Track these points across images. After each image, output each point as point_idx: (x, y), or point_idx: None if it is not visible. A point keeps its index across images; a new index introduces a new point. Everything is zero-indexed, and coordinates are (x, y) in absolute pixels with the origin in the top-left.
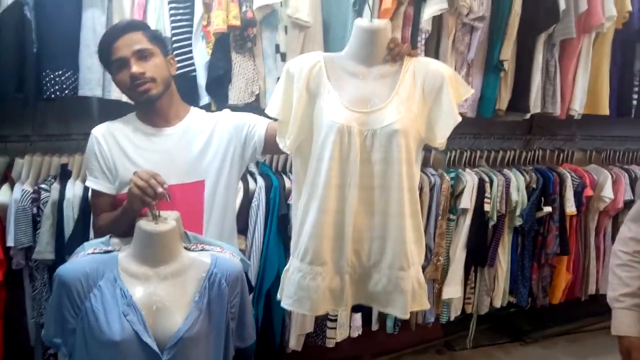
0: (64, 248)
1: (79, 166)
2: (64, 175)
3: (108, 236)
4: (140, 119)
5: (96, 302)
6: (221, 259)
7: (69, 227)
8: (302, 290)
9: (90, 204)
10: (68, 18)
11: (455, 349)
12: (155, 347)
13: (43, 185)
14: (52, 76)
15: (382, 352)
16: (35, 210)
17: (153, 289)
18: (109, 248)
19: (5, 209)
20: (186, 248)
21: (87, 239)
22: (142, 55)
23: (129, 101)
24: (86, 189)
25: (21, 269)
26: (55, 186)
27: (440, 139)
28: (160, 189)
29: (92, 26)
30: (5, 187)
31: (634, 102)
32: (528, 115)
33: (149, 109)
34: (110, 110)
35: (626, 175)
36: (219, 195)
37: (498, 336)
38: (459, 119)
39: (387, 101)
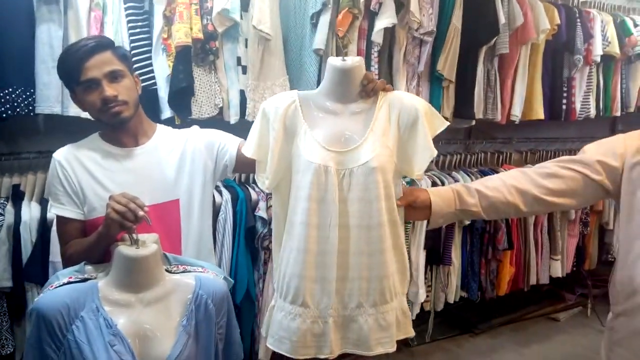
0: (22, 274)
1: (32, 186)
2: (16, 196)
3: (82, 264)
4: (106, 139)
5: (79, 334)
6: (205, 279)
7: (26, 251)
8: (282, 330)
9: (57, 231)
10: (19, 33)
11: (412, 345)
12: None
13: None
14: (1, 94)
15: (343, 354)
16: None
17: (137, 316)
18: (85, 276)
19: None
20: (167, 270)
21: (46, 263)
22: (114, 77)
23: (89, 117)
24: (44, 210)
25: None
26: (9, 209)
27: (418, 172)
28: (141, 213)
29: (49, 41)
30: None
31: (564, 107)
32: (473, 122)
33: (117, 130)
34: (62, 127)
35: None
36: (194, 214)
37: (449, 329)
38: (435, 152)
39: (363, 139)
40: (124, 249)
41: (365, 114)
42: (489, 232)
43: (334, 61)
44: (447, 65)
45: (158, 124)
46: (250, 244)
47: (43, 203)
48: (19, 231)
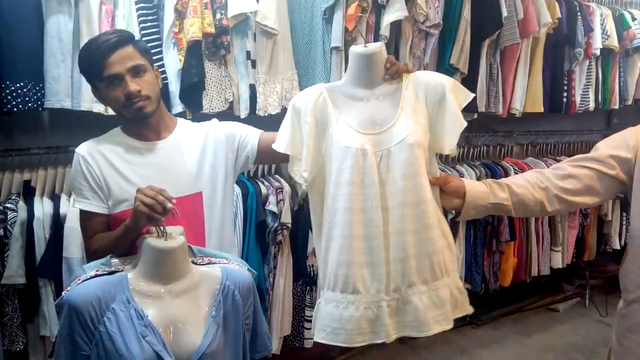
0: (35, 270)
1: (43, 182)
2: (28, 192)
3: (108, 257)
4: (128, 133)
5: (111, 325)
6: (231, 270)
7: (39, 247)
8: (335, 322)
9: (81, 226)
10: (28, 26)
11: (415, 338)
12: None
13: (8, 205)
14: (12, 88)
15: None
16: (1, 232)
17: (167, 307)
18: (112, 268)
19: None
20: (193, 262)
21: (60, 259)
22: (136, 72)
23: (101, 112)
24: (56, 206)
25: None
26: (22, 205)
27: (450, 146)
28: (169, 205)
29: (58, 34)
30: None
31: (564, 100)
32: (476, 115)
33: (139, 124)
34: (72, 122)
35: None
36: (216, 207)
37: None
38: (465, 123)
39: (395, 118)
40: (153, 241)
41: (392, 95)
42: (492, 224)
43: (356, 49)
44: (461, 59)
45: (178, 118)
46: (261, 238)
47: (54, 199)
48: (32, 227)
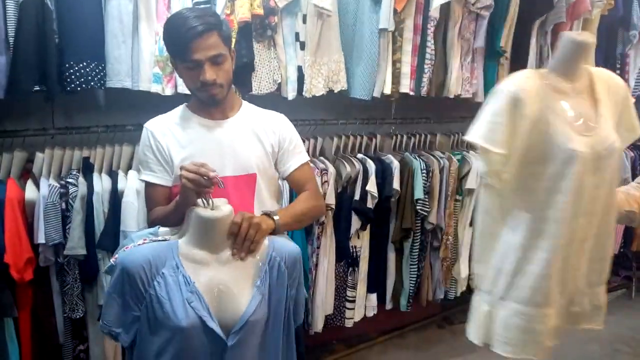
0: (94, 243)
1: (101, 159)
2: (87, 168)
3: (157, 227)
4: (194, 111)
5: (160, 289)
6: (278, 242)
7: (99, 221)
8: (526, 334)
9: (145, 196)
10: (90, 7)
11: (454, 323)
12: (220, 333)
13: (70, 180)
14: (75, 68)
15: (388, 329)
16: (64, 205)
17: (214, 274)
18: (159, 238)
19: (32, 205)
20: None
21: (117, 233)
22: (216, 61)
23: (158, 92)
24: (114, 182)
25: (47, 266)
26: (82, 180)
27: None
28: (212, 174)
29: (119, 16)
30: (29, 183)
31: None
32: None
33: (208, 105)
34: (129, 101)
35: None
36: (265, 191)
37: None
38: None
39: (597, 118)
40: (201, 211)
41: (586, 94)
42: None
43: (570, 35)
44: (509, 41)
45: (244, 100)
46: None
47: (112, 175)
48: (92, 202)
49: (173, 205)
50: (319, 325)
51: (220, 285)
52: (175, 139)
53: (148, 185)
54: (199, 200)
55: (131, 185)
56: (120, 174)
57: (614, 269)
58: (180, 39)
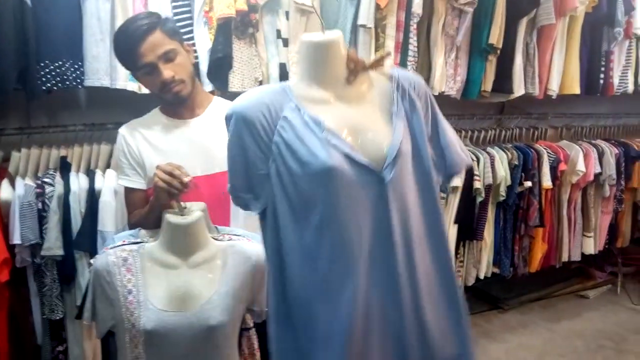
0: (72, 243)
1: (79, 158)
2: (64, 167)
3: (137, 229)
4: (165, 112)
5: (286, 133)
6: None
7: (76, 221)
8: None
9: (125, 201)
10: (67, 5)
11: None
12: (373, 167)
13: (46, 179)
14: (51, 67)
15: None
16: (40, 205)
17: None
18: (139, 240)
19: (8, 205)
20: (214, 238)
21: (95, 233)
22: (169, 58)
23: (135, 90)
24: (91, 181)
25: (24, 267)
26: (59, 179)
27: None
28: (186, 179)
29: (96, 13)
30: (5, 182)
31: (601, 81)
32: (512, 96)
33: (176, 105)
34: (106, 100)
35: (594, 149)
36: None
37: (478, 305)
38: None
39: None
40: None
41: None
42: (522, 208)
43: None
44: (500, 38)
45: (215, 96)
46: None
47: (90, 174)
48: (69, 201)
49: (148, 206)
50: None
51: (354, 120)
52: (146, 142)
53: (126, 189)
54: (174, 203)
55: (109, 184)
56: (98, 173)
57: (600, 265)
58: (127, 49)
